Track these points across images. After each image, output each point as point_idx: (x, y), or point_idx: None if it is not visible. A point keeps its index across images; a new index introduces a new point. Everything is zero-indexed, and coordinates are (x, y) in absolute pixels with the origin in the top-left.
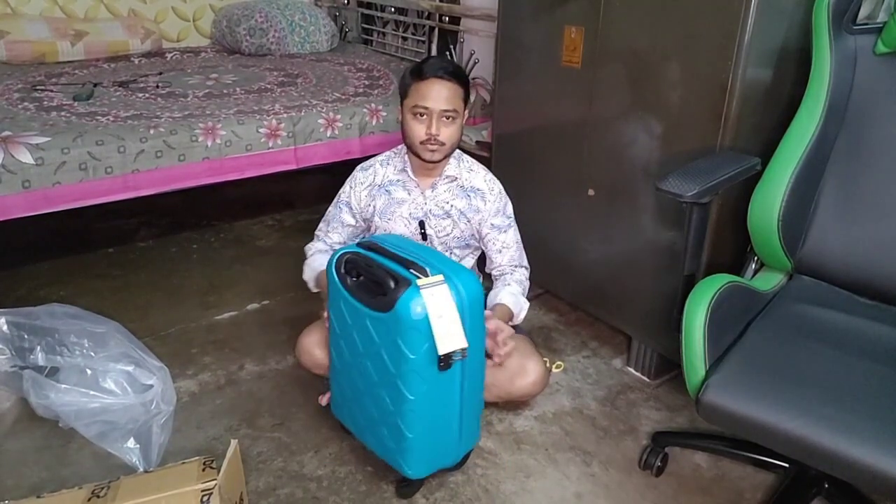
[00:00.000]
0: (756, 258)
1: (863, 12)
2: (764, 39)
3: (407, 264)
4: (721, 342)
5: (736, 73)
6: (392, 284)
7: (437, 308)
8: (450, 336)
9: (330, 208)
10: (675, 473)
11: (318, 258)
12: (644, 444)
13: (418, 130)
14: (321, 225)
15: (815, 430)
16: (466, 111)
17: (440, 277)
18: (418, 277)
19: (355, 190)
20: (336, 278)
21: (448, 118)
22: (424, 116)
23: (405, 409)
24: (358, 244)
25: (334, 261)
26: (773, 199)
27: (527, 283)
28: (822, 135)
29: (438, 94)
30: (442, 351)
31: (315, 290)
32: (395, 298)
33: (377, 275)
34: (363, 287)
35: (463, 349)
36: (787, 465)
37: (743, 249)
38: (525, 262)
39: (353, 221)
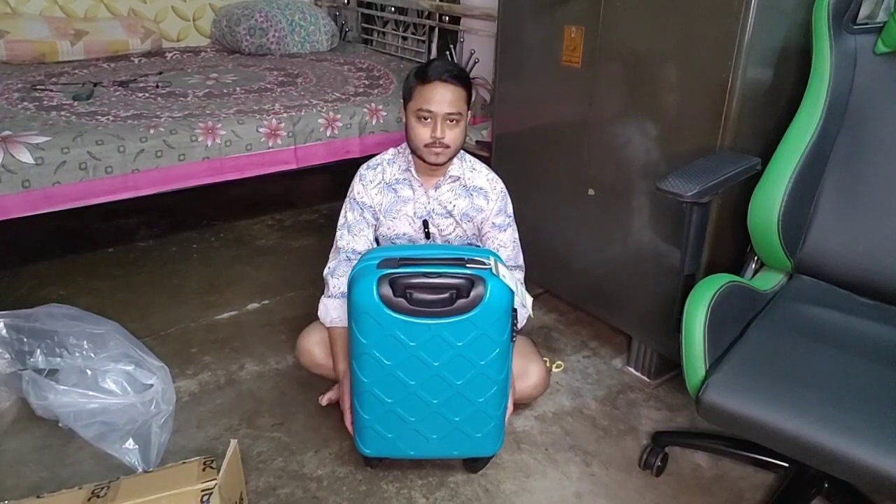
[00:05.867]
0: (756, 258)
1: (863, 12)
2: (764, 39)
3: (455, 262)
4: (721, 342)
5: (736, 73)
6: (468, 284)
7: (511, 284)
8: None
9: (346, 215)
10: (675, 473)
11: (339, 308)
12: (644, 443)
13: (423, 134)
14: (342, 234)
15: (815, 430)
16: (470, 112)
17: (492, 259)
18: (479, 268)
19: (367, 188)
20: (387, 310)
21: (452, 121)
22: (429, 120)
23: (492, 394)
24: (378, 267)
25: (374, 296)
26: (773, 199)
27: (523, 286)
28: (822, 135)
29: (442, 98)
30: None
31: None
32: (480, 295)
33: (446, 283)
34: (424, 302)
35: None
36: (787, 465)
37: (743, 249)
38: (521, 262)
39: (374, 221)
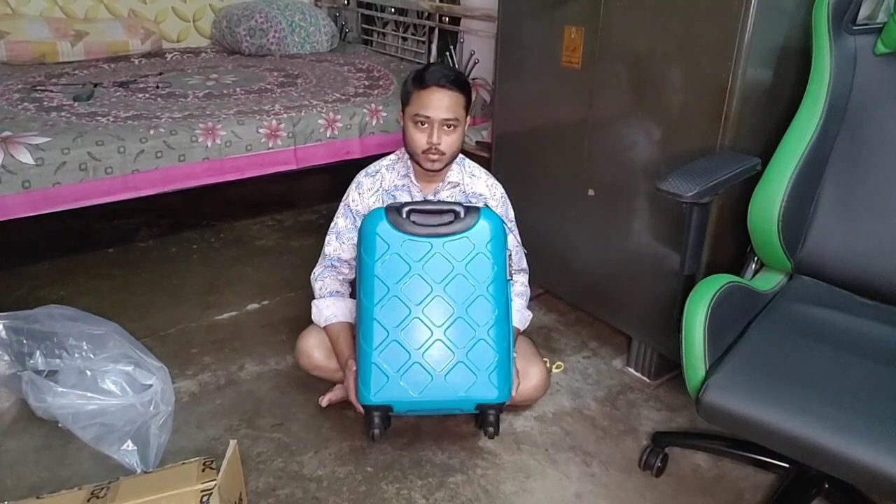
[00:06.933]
0: (756, 258)
1: (863, 13)
2: (764, 39)
3: (449, 202)
4: (721, 342)
5: (736, 73)
6: (464, 210)
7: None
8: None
9: (338, 220)
10: (675, 473)
11: (332, 306)
12: (644, 444)
13: (419, 139)
14: (330, 241)
15: (815, 430)
16: (468, 117)
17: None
18: (474, 204)
19: (363, 197)
20: (392, 229)
21: (449, 127)
22: (425, 125)
23: (495, 319)
24: (386, 209)
25: (382, 217)
26: (773, 199)
27: (527, 290)
28: (822, 135)
29: (440, 103)
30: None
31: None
32: (476, 217)
33: (445, 208)
34: (426, 225)
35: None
36: (787, 465)
37: (743, 249)
38: (524, 265)
39: None
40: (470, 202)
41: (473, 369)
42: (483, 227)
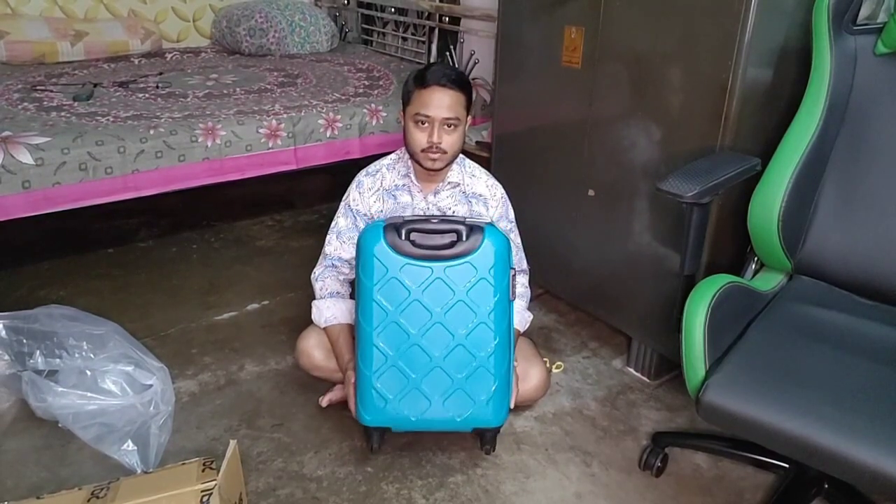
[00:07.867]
0: (756, 258)
1: (863, 13)
2: (764, 39)
3: (451, 220)
4: (721, 342)
5: (736, 73)
6: (467, 230)
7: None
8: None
9: (338, 220)
10: (675, 473)
11: (332, 307)
12: (644, 444)
13: (420, 138)
14: (331, 240)
15: (815, 430)
16: (469, 117)
17: (485, 220)
18: (478, 222)
19: (364, 196)
20: (391, 252)
21: (450, 126)
22: (426, 124)
23: (495, 346)
24: (384, 228)
25: (381, 238)
26: (773, 199)
27: (528, 291)
28: (822, 135)
29: (440, 103)
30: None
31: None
32: (479, 239)
33: (447, 227)
34: (426, 246)
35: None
36: (787, 465)
37: (743, 249)
38: (525, 266)
39: None
40: (471, 204)
41: (472, 396)
42: (486, 250)
